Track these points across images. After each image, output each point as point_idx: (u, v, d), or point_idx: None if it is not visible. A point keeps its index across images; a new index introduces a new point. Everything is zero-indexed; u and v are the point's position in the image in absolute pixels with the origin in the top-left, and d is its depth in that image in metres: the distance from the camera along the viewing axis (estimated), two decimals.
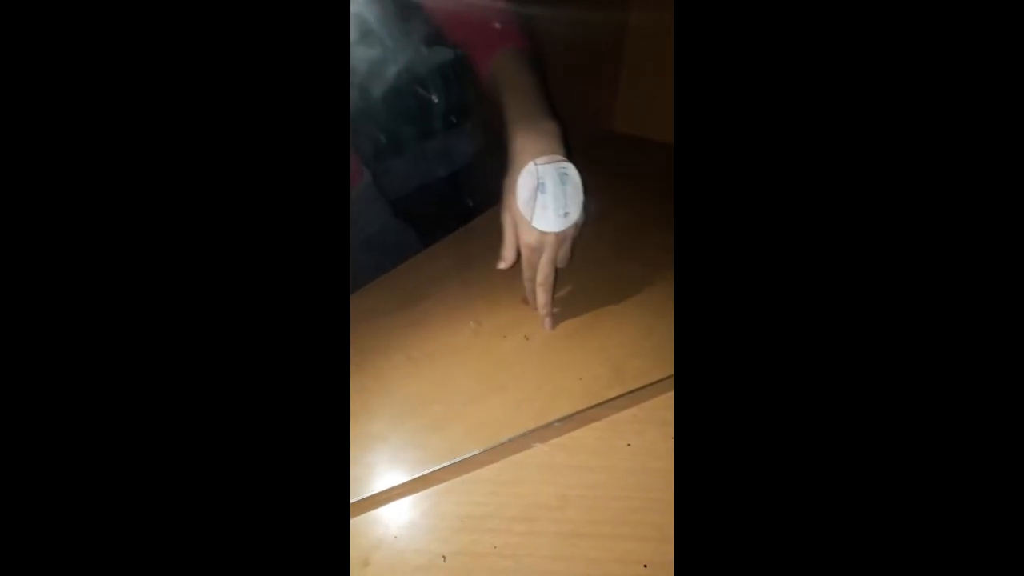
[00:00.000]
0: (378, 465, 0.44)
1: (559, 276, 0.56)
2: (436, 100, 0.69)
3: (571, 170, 0.52)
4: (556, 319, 0.56)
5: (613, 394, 0.48)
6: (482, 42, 0.61)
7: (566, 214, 0.51)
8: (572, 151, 0.53)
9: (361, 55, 0.60)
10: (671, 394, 0.48)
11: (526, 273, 0.55)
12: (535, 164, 0.51)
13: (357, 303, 0.59)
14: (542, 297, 0.54)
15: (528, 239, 0.52)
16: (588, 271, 0.57)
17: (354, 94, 0.63)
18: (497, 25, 0.61)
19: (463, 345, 0.54)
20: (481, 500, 0.41)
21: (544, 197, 0.51)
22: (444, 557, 0.38)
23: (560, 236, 0.52)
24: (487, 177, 0.59)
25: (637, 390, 0.48)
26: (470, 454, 0.44)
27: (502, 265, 0.55)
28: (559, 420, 0.46)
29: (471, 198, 0.67)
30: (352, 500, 0.42)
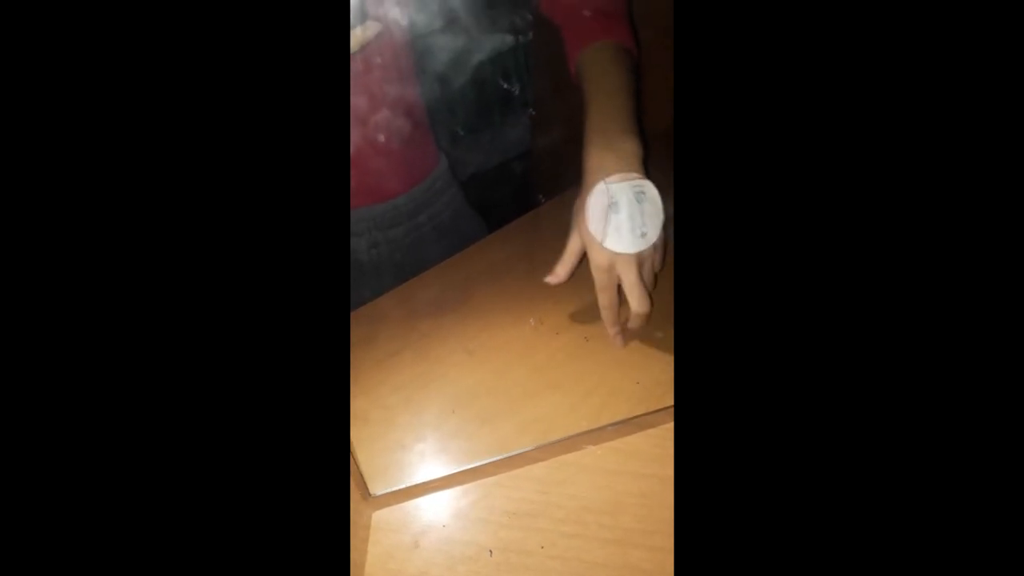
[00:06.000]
0: (428, 454, 0.44)
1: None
2: (517, 92, 0.68)
3: (649, 188, 0.49)
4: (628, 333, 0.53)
5: (671, 402, 0.46)
6: (580, 27, 0.56)
7: (643, 234, 0.48)
8: (650, 170, 0.50)
9: (444, 44, 0.59)
10: None
11: (602, 301, 0.51)
12: (606, 183, 0.48)
13: (417, 290, 0.59)
14: (611, 319, 0.51)
15: (599, 261, 0.49)
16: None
17: (435, 85, 0.63)
18: (602, 13, 0.55)
19: (520, 340, 0.53)
20: (530, 497, 0.41)
21: (618, 217, 0.48)
22: (491, 552, 0.38)
23: (638, 257, 0.48)
24: (558, 171, 0.58)
25: None
26: (521, 450, 0.44)
27: (550, 279, 0.52)
28: (613, 424, 0.45)
29: (543, 193, 0.65)
30: (402, 486, 0.42)
